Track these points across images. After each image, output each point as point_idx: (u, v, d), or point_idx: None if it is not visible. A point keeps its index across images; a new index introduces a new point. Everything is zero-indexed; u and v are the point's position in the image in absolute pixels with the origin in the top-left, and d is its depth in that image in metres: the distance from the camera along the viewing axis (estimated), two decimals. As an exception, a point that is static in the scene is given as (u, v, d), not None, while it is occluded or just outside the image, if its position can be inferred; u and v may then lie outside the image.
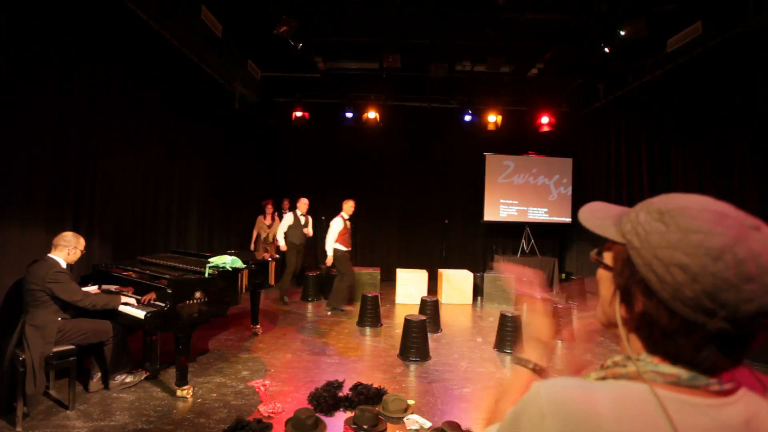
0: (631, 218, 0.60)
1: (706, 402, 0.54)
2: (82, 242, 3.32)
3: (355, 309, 6.23)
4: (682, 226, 0.54)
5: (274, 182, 9.48)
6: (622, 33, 5.11)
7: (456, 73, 7.75)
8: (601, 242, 0.67)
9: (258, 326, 5.12)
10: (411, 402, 3.38)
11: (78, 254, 3.31)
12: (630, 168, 7.29)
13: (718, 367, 0.55)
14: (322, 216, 9.09)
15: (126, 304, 3.40)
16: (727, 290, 0.50)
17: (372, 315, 5.69)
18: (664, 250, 0.54)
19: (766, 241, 0.52)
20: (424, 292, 7.12)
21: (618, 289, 0.61)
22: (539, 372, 0.87)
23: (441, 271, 7.57)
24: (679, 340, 0.54)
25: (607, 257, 0.64)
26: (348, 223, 6.39)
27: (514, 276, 1.01)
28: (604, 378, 0.61)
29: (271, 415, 3.12)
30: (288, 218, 6.79)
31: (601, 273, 0.65)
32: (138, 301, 3.47)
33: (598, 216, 0.66)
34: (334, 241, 6.22)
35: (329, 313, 6.36)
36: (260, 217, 7.76)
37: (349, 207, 6.41)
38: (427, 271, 7.55)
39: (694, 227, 0.53)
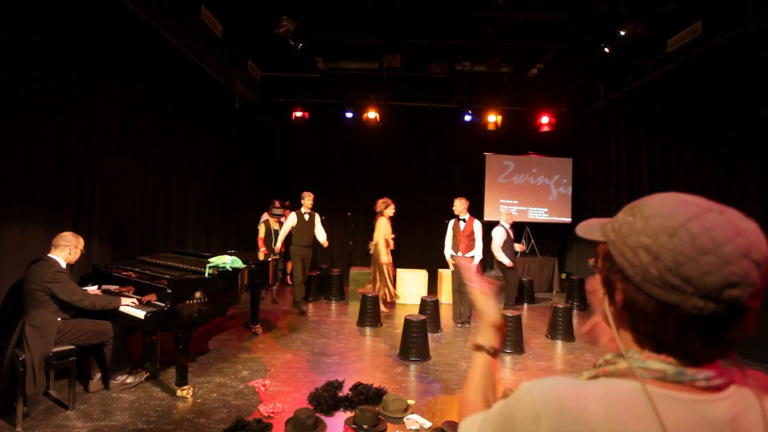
0: (612, 220, 0.66)
1: (693, 397, 0.56)
2: (81, 242, 3.33)
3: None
4: (645, 213, 0.59)
5: (273, 182, 9.48)
6: (622, 33, 5.11)
7: (456, 73, 7.75)
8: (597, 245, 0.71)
9: (258, 326, 5.12)
10: (411, 402, 3.38)
11: (78, 254, 3.31)
12: (630, 168, 7.29)
13: (703, 353, 0.57)
14: (322, 217, 9.08)
15: (126, 304, 3.40)
16: (685, 264, 0.53)
17: (372, 315, 5.69)
18: (632, 237, 0.59)
19: (722, 219, 0.55)
20: (424, 292, 7.13)
21: (603, 283, 0.65)
22: (495, 353, 0.91)
23: (441, 271, 7.57)
24: (659, 324, 0.57)
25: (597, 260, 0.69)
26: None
27: (463, 268, 1.06)
28: (595, 376, 0.63)
29: (271, 415, 3.12)
30: (503, 233, 6.37)
31: (596, 277, 0.69)
32: (138, 301, 3.47)
33: (589, 225, 0.72)
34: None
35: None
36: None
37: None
38: (427, 271, 7.55)
39: (654, 213, 0.58)
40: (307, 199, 6.32)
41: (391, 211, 6.48)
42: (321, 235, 6.34)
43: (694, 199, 0.58)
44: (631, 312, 0.60)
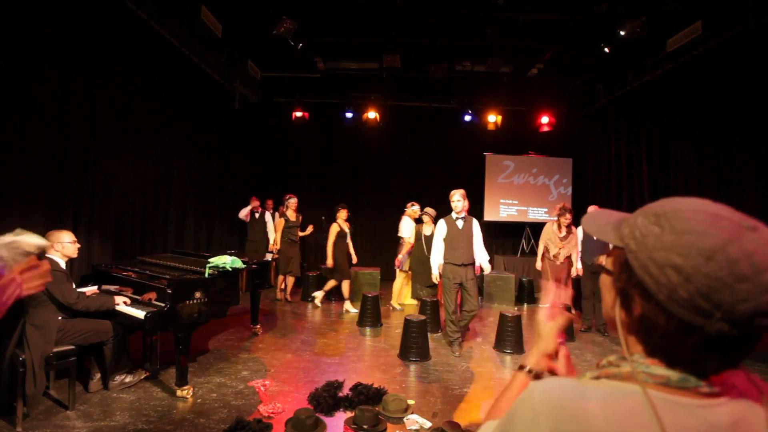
0: (629, 222, 0.61)
1: (695, 403, 0.55)
2: (64, 235, 3.26)
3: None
4: (676, 228, 0.54)
5: (273, 182, 9.47)
6: (622, 33, 5.12)
7: (456, 73, 7.76)
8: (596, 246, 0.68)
9: (258, 326, 5.12)
10: (411, 402, 3.38)
11: (70, 247, 3.27)
12: (630, 168, 7.29)
13: (717, 370, 0.56)
14: (322, 216, 9.09)
15: (119, 303, 3.38)
16: (721, 290, 0.50)
17: (372, 315, 5.69)
18: (659, 252, 0.54)
19: (760, 241, 0.51)
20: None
21: (617, 292, 0.62)
22: (536, 377, 0.89)
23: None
24: (678, 343, 0.55)
25: (609, 262, 0.65)
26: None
27: (550, 300, 0.99)
28: (597, 377, 0.62)
29: (271, 415, 3.12)
30: None
31: (604, 278, 0.67)
32: (137, 300, 3.47)
33: (599, 222, 0.68)
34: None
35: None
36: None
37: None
38: (427, 271, 7.53)
39: (687, 229, 0.53)
40: (458, 197, 4.60)
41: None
42: (482, 253, 4.65)
43: (724, 211, 0.55)
44: (649, 327, 0.57)
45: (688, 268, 0.52)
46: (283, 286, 6.99)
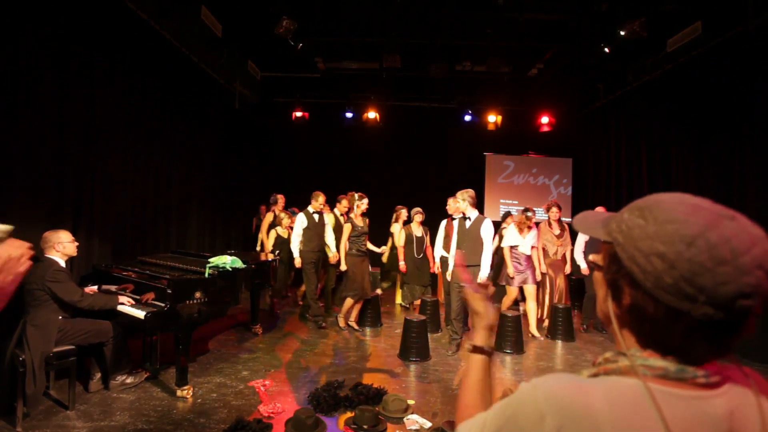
0: (616, 218, 0.64)
1: (692, 394, 0.57)
2: (62, 235, 3.23)
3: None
4: (659, 218, 0.57)
5: (273, 183, 9.48)
6: (622, 33, 5.12)
7: (456, 73, 7.75)
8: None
9: (258, 326, 5.12)
10: (411, 402, 3.38)
11: (69, 246, 3.25)
12: (630, 168, 7.29)
13: (707, 356, 0.58)
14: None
15: (123, 303, 3.39)
16: (702, 274, 0.53)
17: (372, 315, 5.68)
18: (644, 242, 0.57)
19: (737, 228, 0.54)
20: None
21: (608, 285, 0.64)
22: (490, 354, 0.90)
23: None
24: (667, 329, 0.57)
25: (599, 258, 0.68)
26: None
27: (459, 268, 1.09)
28: (596, 374, 0.63)
29: (271, 415, 3.12)
30: None
31: (596, 275, 0.69)
32: (137, 300, 3.47)
33: (588, 221, 0.71)
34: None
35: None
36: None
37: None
38: (427, 271, 7.52)
39: (669, 218, 0.56)
40: (451, 200, 4.92)
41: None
42: (484, 257, 4.43)
43: (704, 203, 0.58)
44: (638, 316, 0.59)
45: (671, 255, 0.54)
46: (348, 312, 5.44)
